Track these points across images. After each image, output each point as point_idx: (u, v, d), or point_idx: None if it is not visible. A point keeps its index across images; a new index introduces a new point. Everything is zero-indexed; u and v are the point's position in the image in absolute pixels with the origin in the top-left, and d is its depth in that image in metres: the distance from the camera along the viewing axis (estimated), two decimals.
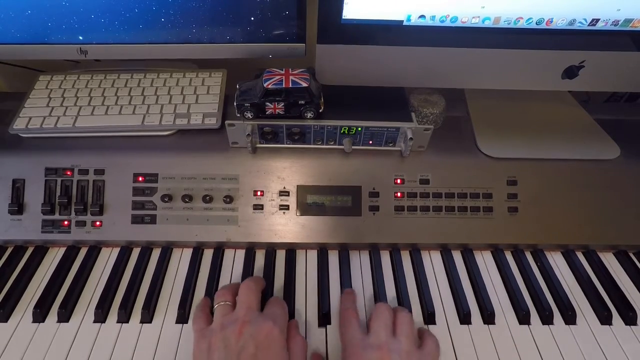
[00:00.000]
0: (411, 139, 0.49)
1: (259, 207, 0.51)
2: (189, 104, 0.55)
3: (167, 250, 0.51)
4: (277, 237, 0.50)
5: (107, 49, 0.54)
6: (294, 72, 0.48)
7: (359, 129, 0.51)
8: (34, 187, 0.50)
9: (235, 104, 0.49)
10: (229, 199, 0.51)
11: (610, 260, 0.53)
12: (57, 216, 0.50)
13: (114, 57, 0.56)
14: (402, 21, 0.44)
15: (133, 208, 0.50)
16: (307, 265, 0.51)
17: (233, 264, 0.50)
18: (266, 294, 0.47)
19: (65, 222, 0.50)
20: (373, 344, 0.38)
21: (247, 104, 0.48)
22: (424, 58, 0.48)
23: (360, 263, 0.51)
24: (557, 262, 0.52)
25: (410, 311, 0.46)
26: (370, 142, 0.52)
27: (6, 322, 0.44)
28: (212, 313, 0.42)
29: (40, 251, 0.51)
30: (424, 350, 0.39)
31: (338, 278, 0.49)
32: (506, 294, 0.49)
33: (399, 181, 0.52)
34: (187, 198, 0.50)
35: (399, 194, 0.52)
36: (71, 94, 0.56)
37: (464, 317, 0.46)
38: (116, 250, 0.51)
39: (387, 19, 0.44)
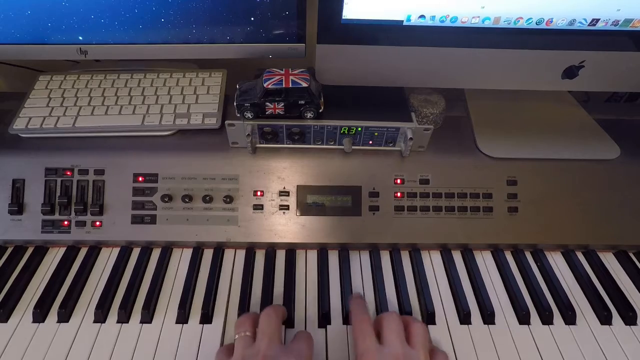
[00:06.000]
0: (411, 139, 0.49)
1: (259, 207, 0.51)
2: (189, 104, 0.55)
3: (167, 250, 0.51)
4: (277, 237, 0.50)
5: (107, 49, 0.54)
6: (294, 72, 0.48)
7: (359, 129, 0.51)
8: (34, 187, 0.50)
9: (235, 104, 0.49)
10: (229, 199, 0.51)
11: (610, 260, 0.53)
12: (57, 216, 0.50)
13: (114, 57, 0.56)
14: (402, 21, 0.44)
15: (133, 208, 0.50)
16: (307, 265, 0.51)
17: (233, 264, 0.50)
18: (266, 295, 0.47)
19: (65, 222, 0.50)
20: (390, 353, 0.37)
21: (247, 104, 0.48)
22: (424, 58, 0.48)
23: (360, 263, 0.51)
24: (557, 262, 0.52)
25: (411, 312, 0.46)
26: (370, 142, 0.52)
27: (6, 322, 0.44)
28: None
29: (40, 251, 0.51)
30: None
31: (338, 278, 0.49)
32: (506, 294, 0.49)
33: (399, 181, 0.52)
34: (187, 198, 0.50)
35: (399, 194, 0.52)
36: (71, 94, 0.56)
37: (464, 317, 0.46)
38: (116, 250, 0.51)
39: (387, 19, 0.44)
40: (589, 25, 0.44)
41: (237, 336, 0.39)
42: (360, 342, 0.39)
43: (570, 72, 0.49)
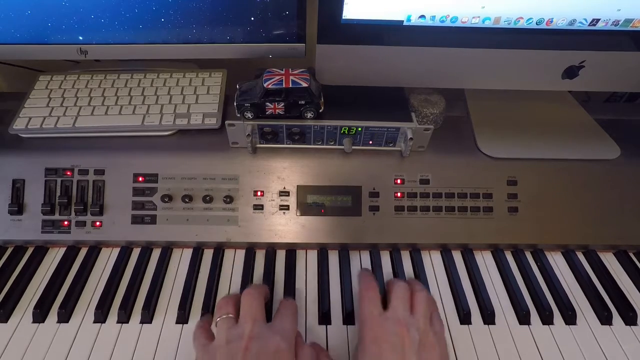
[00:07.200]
0: (411, 139, 0.49)
1: (259, 207, 0.51)
2: (189, 104, 0.55)
3: (167, 251, 0.51)
4: (277, 237, 0.50)
5: (107, 49, 0.54)
6: (294, 72, 0.48)
7: (359, 129, 0.51)
8: (34, 187, 0.50)
9: (235, 104, 0.49)
10: (229, 199, 0.51)
11: (610, 260, 0.53)
12: (57, 216, 0.50)
13: (114, 57, 0.56)
14: (402, 21, 0.44)
15: (133, 208, 0.50)
16: (307, 266, 0.51)
17: (233, 264, 0.50)
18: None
19: (65, 222, 0.50)
20: (392, 317, 0.38)
21: (247, 104, 0.48)
22: (424, 58, 0.48)
23: (360, 263, 0.51)
24: (557, 262, 0.52)
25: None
26: (370, 142, 0.52)
27: (6, 322, 0.44)
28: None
29: (40, 251, 0.51)
30: (434, 328, 0.39)
31: (338, 278, 0.49)
32: (506, 294, 0.49)
33: (399, 181, 0.52)
34: (187, 198, 0.50)
35: (399, 194, 0.52)
36: (71, 94, 0.56)
37: (464, 317, 0.46)
38: (116, 251, 0.51)
39: (387, 19, 0.44)
40: (589, 25, 0.44)
41: (218, 318, 0.39)
42: (364, 307, 0.40)
43: (570, 72, 0.49)
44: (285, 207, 0.51)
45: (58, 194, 0.50)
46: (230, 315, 0.39)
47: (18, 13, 0.50)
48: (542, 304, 0.47)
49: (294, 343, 0.38)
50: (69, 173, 0.51)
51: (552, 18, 0.44)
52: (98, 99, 0.55)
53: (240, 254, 0.51)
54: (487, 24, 0.44)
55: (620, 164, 0.54)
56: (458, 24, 0.44)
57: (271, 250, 0.51)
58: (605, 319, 0.46)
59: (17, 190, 0.50)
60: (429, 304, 0.41)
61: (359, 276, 0.45)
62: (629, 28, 0.44)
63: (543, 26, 0.44)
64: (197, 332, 0.40)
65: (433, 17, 0.44)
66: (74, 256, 0.51)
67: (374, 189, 0.52)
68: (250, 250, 0.51)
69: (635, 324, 0.46)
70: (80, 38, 0.53)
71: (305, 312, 0.46)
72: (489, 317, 0.46)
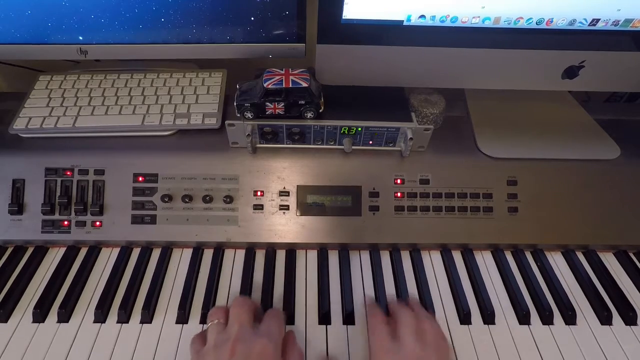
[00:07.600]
0: (411, 139, 0.49)
1: (259, 207, 0.51)
2: (189, 104, 0.55)
3: (167, 250, 0.51)
4: (277, 237, 0.50)
5: (107, 49, 0.54)
6: (294, 72, 0.48)
7: (359, 129, 0.51)
8: (34, 187, 0.50)
9: (235, 104, 0.49)
10: (229, 199, 0.51)
11: (610, 260, 0.53)
12: (57, 216, 0.50)
13: (114, 57, 0.56)
14: (402, 21, 0.44)
15: (133, 208, 0.50)
16: (307, 266, 0.51)
17: (233, 264, 0.50)
18: (266, 295, 0.47)
19: (65, 222, 0.50)
20: (403, 350, 0.38)
21: (247, 104, 0.48)
22: (424, 58, 0.48)
23: (360, 263, 0.51)
24: (557, 262, 0.52)
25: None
26: (370, 142, 0.52)
27: (6, 322, 0.44)
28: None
29: (40, 251, 0.51)
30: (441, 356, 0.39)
31: (338, 278, 0.49)
32: (506, 294, 0.49)
33: (399, 181, 0.52)
34: (187, 198, 0.50)
35: (399, 194, 0.52)
36: (71, 94, 0.56)
37: (464, 317, 0.46)
38: (116, 251, 0.51)
39: (387, 19, 0.44)
40: (589, 25, 0.44)
41: (209, 323, 0.40)
42: (374, 341, 0.40)
43: (570, 72, 0.49)
44: (285, 207, 0.51)
45: (58, 194, 0.50)
46: (221, 320, 0.40)
47: (18, 13, 0.50)
48: (542, 304, 0.47)
49: (281, 345, 0.38)
50: (69, 173, 0.51)
51: (552, 18, 0.44)
52: (98, 99, 0.55)
53: (240, 254, 0.51)
54: (487, 24, 0.44)
55: (620, 164, 0.54)
56: (458, 24, 0.44)
57: (271, 250, 0.51)
58: (605, 319, 0.46)
59: (17, 190, 0.50)
60: (438, 334, 0.40)
61: (366, 304, 0.46)
62: (628, 28, 0.44)
63: (543, 26, 0.44)
64: (193, 338, 0.40)
65: (433, 17, 0.44)
66: (74, 256, 0.51)
67: (374, 189, 0.52)
68: (250, 250, 0.51)
69: (635, 324, 0.46)
70: (80, 38, 0.53)
71: (305, 312, 0.46)
72: (489, 317, 0.46)
